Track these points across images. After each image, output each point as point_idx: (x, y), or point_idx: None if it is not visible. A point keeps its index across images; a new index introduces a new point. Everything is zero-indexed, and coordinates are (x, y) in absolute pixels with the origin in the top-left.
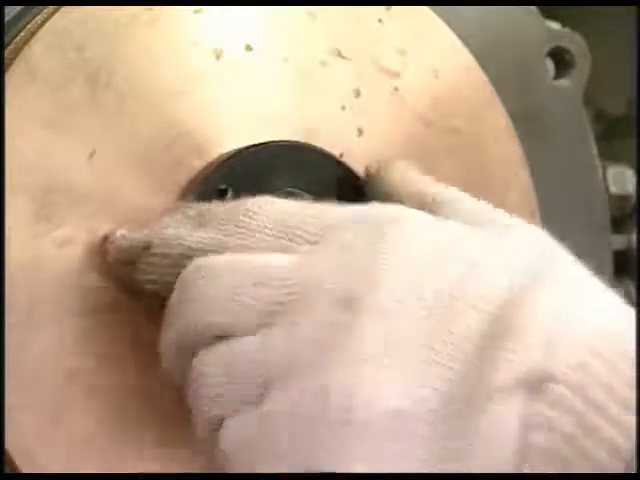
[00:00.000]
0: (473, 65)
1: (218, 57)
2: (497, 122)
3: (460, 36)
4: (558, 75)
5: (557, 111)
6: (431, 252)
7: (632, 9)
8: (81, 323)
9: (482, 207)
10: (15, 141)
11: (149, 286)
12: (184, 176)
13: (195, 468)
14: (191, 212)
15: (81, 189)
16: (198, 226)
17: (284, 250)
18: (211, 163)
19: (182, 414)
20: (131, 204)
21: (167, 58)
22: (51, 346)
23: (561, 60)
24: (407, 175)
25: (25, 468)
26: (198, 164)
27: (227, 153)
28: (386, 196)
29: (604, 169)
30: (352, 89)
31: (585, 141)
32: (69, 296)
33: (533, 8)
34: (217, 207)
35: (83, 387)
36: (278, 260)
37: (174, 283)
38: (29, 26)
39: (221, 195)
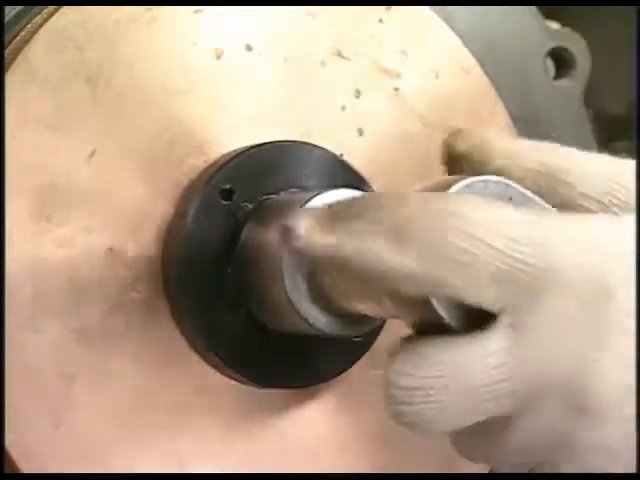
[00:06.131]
0: (473, 65)
1: (219, 57)
2: (497, 122)
3: (460, 36)
4: (558, 75)
5: (557, 111)
6: None
7: (632, 9)
8: (82, 323)
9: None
10: (15, 141)
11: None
12: (184, 176)
13: (196, 467)
14: (385, 217)
15: (81, 189)
16: (392, 240)
17: (494, 297)
18: (212, 163)
19: (182, 415)
20: (131, 204)
21: (167, 58)
22: (51, 346)
23: (561, 60)
24: (510, 144)
25: (25, 468)
26: (198, 164)
27: (228, 153)
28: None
29: None
30: (352, 89)
31: (585, 141)
32: (69, 296)
33: (533, 8)
34: (417, 217)
35: (83, 387)
36: (486, 346)
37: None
38: (29, 26)
39: (224, 195)
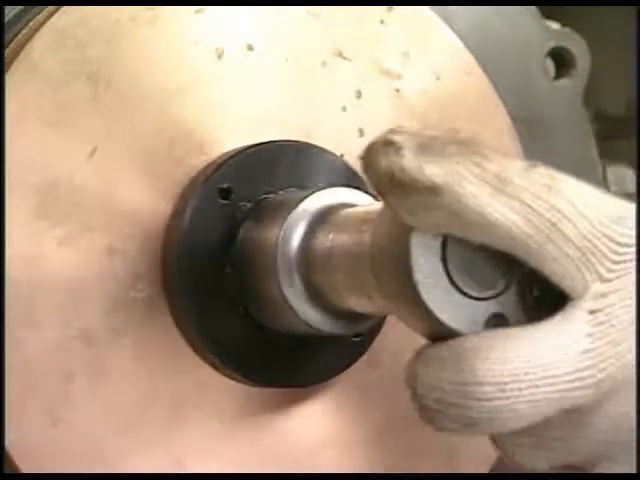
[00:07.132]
0: (474, 66)
1: (220, 57)
2: (497, 122)
3: (460, 37)
4: (558, 75)
5: (557, 111)
6: None
7: (632, 9)
8: (81, 321)
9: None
10: (16, 139)
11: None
12: (184, 175)
13: (195, 466)
14: (491, 167)
15: (81, 188)
16: (498, 192)
17: (579, 273)
18: (212, 162)
19: (181, 414)
20: (131, 203)
21: (168, 57)
22: (51, 344)
23: (561, 60)
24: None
25: (25, 468)
26: (199, 163)
27: (228, 152)
28: None
29: (604, 169)
30: (353, 90)
31: (585, 141)
32: (69, 294)
33: (533, 8)
34: (524, 178)
35: (83, 386)
36: (570, 333)
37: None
38: (30, 24)
39: (223, 194)
